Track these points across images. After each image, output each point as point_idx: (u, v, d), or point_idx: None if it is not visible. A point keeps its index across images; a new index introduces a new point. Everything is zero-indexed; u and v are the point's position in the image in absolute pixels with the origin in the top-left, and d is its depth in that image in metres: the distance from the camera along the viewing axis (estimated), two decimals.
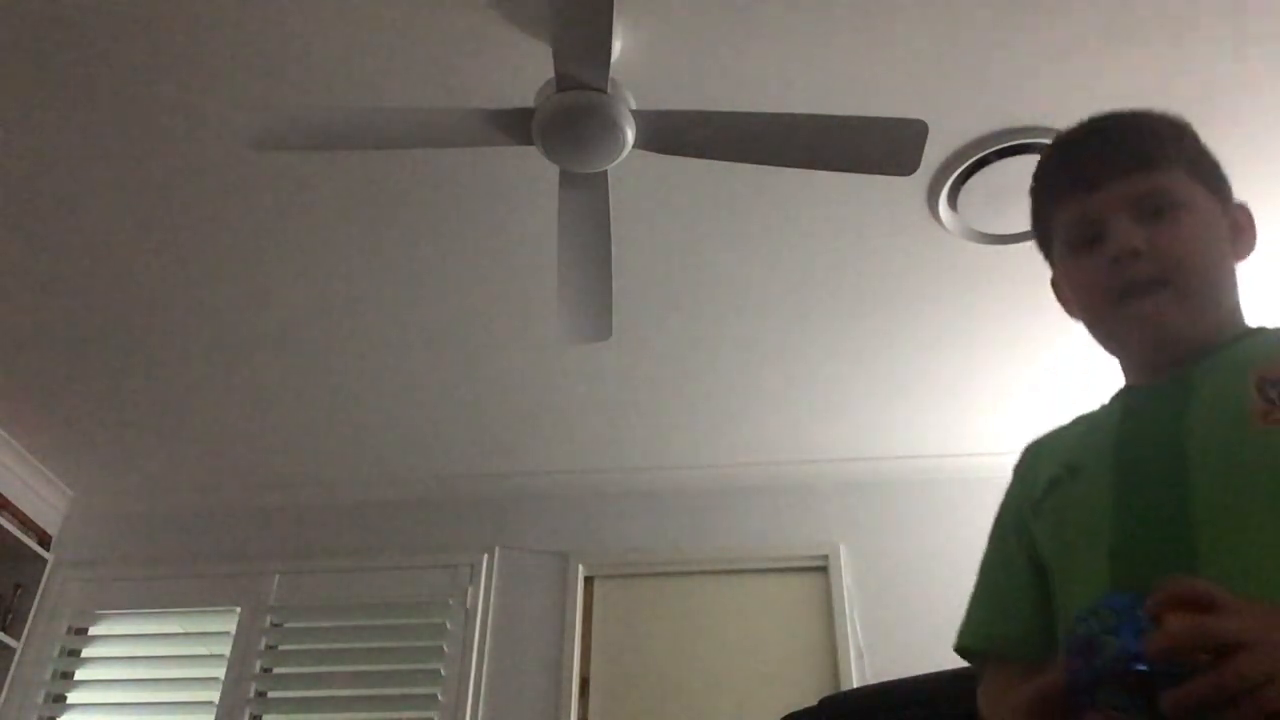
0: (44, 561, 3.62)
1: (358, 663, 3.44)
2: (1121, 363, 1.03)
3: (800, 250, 2.71)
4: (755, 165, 2.19)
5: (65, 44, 2.15)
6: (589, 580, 3.46)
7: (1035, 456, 1.07)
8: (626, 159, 2.04)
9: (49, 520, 3.75)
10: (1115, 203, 0.97)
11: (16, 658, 3.44)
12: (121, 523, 3.81)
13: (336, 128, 2.07)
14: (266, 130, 2.03)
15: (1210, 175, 1.03)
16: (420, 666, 3.37)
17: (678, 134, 2.04)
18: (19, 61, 2.20)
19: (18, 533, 3.50)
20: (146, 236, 2.67)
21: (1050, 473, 0.99)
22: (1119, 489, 0.89)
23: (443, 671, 3.32)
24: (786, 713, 1.77)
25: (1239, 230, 1.04)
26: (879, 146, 2.01)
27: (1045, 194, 1.05)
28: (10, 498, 3.54)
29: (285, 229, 2.65)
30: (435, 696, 3.27)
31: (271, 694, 3.45)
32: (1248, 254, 1.03)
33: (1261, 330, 0.97)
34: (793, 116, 2.00)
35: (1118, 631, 0.69)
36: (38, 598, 3.56)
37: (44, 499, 3.72)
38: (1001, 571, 1.03)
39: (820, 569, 3.40)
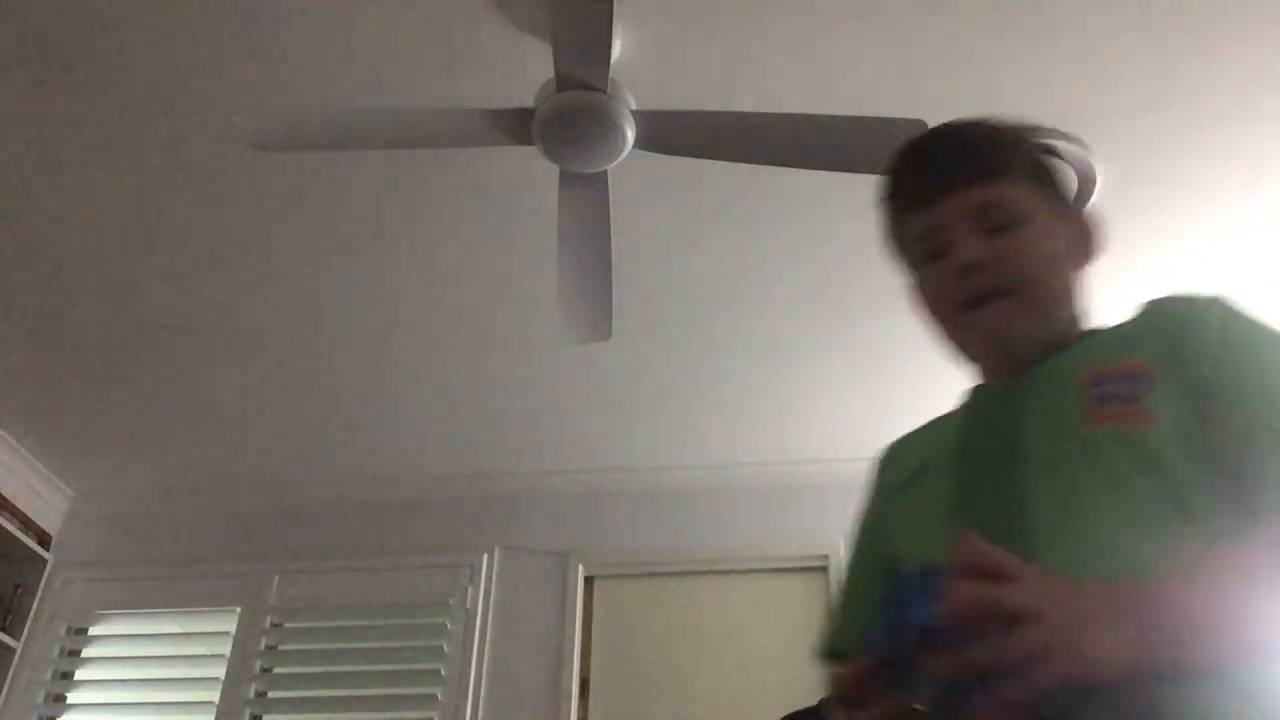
0: (44, 561, 3.62)
1: (358, 663, 3.44)
2: (971, 370, 1.06)
3: (800, 250, 2.71)
4: (755, 165, 2.18)
5: (65, 44, 2.15)
6: (589, 580, 3.46)
7: (892, 459, 1.10)
8: (626, 159, 2.04)
9: (49, 520, 3.75)
10: (957, 215, 0.98)
11: (16, 658, 3.44)
12: (121, 523, 3.81)
13: (336, 128, 2.07)
14: (266, 130, 2.03)
15: (1050, 183, 1.05)
16: (420, 666, 3.37)
17: (678, 134, 2.04)
18: (19, 61, 2.19)
19: (18, 533, 3.50)
20: (146, 236, 2.67)
21: (903, 475, 1.03)
22: (962, 488, 0.92)
23: (443, 671, 3.32)
24: (786, 713, 1.77)
25: (1084, 238, 1.04)
26: (879, 146, 2.00)
27: (894, 204, 1.06)
28: (10, 498, 3.54)
29: (285, 229, 2.65)
30: (435, 696, 3.27)
31: (271, 694, 3.46)
32: (1093, 260, 1.03)
33: (1095, 332, 0.99)
34: (792, 116, 2.00)
35: (911, 603, 0.68)
36: (38, 598, 3.57)
37: (44, 499, 3.73)
38: (861, 573, 1.06)
39: (820, 569, 3.39)
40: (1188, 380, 0.84)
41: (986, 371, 1.03)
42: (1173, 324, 0.90)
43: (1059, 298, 0.99)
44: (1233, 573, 0.73)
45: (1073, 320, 1.00)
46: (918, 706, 0.71)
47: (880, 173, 1.09)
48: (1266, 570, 0.72)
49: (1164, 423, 0.82)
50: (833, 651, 1.02)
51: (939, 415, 1.07)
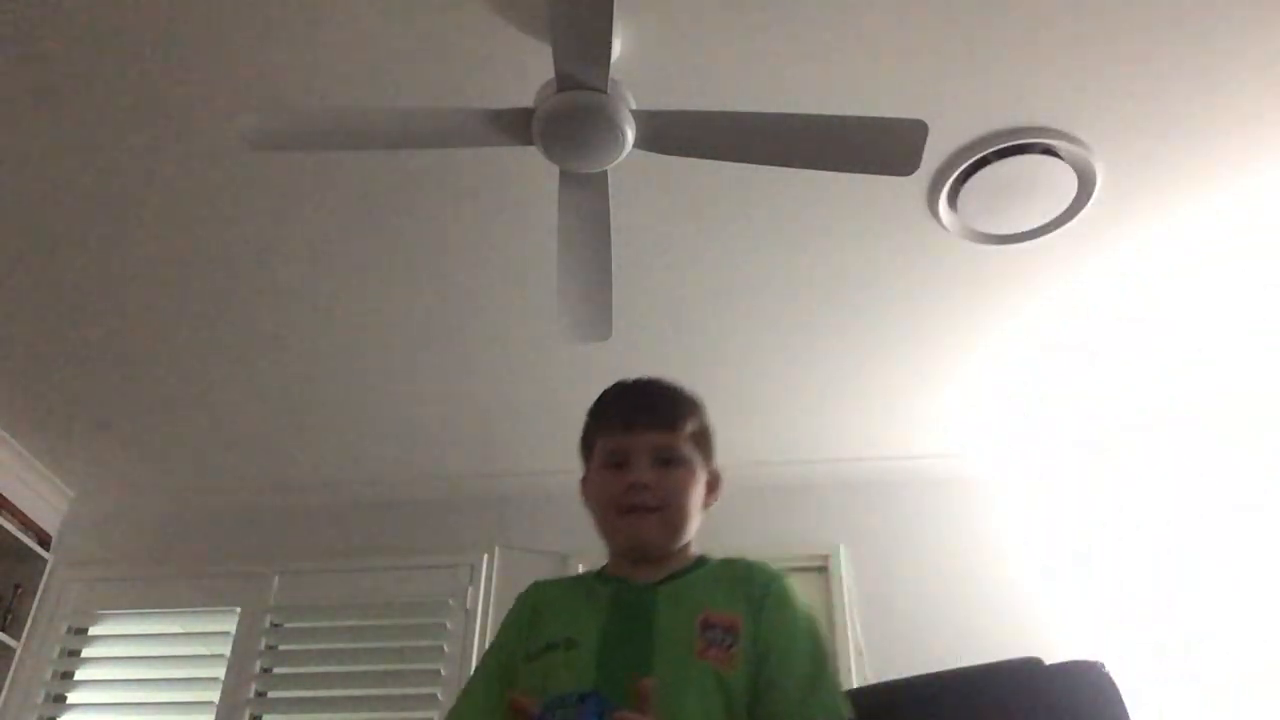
0: (44, 561, 3.62)
1: (358, 663, 3.44)
2: (610, 552, 1.40)
3: (800, 250, 2.71)
4: (755, 165, 2.18)
5: (65, 44, 2.15)
6: None
7: (538, 609, 1.39)
8: (626, 159, 2.04)
9: (49, 520, 3.75)
10: (642, 446, 1.36)
11: (16, 658, 3.44)
12: (121, 523, 3.81)
13: (336, 128, 2.07)
14: (266, 130, 2.03)
15: (706, 444, 1.44)
16: (420, 666, 3.37)
17: (678, 134, 2.04)
18: (18, 61, 2.20)
19: (18, 533, 3.50)
20: (146, 236, 2.67)
21: (550, 638, 1.29)
22: (602, 670, 1.22)
23: (443, 672, 3.32)
24: None
25: (712, 487, 1.44)
26: (879, 146, 2.01)
27: (598, 422, 1.43)
28: (10, 498, 3.54)
29: (285, 229, 2.65)
30: (435, 696, 3.27)
31: (271, 694, 3.45)
32: (712, 504, 1.44)
33: (706, 561, 1.37)
34: (793, 116, 2.00)
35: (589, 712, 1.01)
36: (38, 598, 3.57)
37: (44, 499, 3.73)
38: (483, 680, 1.36)
39: (820, 569, 3.39)
40: (752, 638, 1.24)
41: (622, 560, 1.38)
42: (752, 593, 1.29)
43: (688, 525, 1.37)
44: None
45: (688, 545, 1.38)
46: None
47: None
48: None
49: (740, 669, 1.21)
50: None
51: (584, 576, 1.43)
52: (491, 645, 1.40)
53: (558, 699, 1.05)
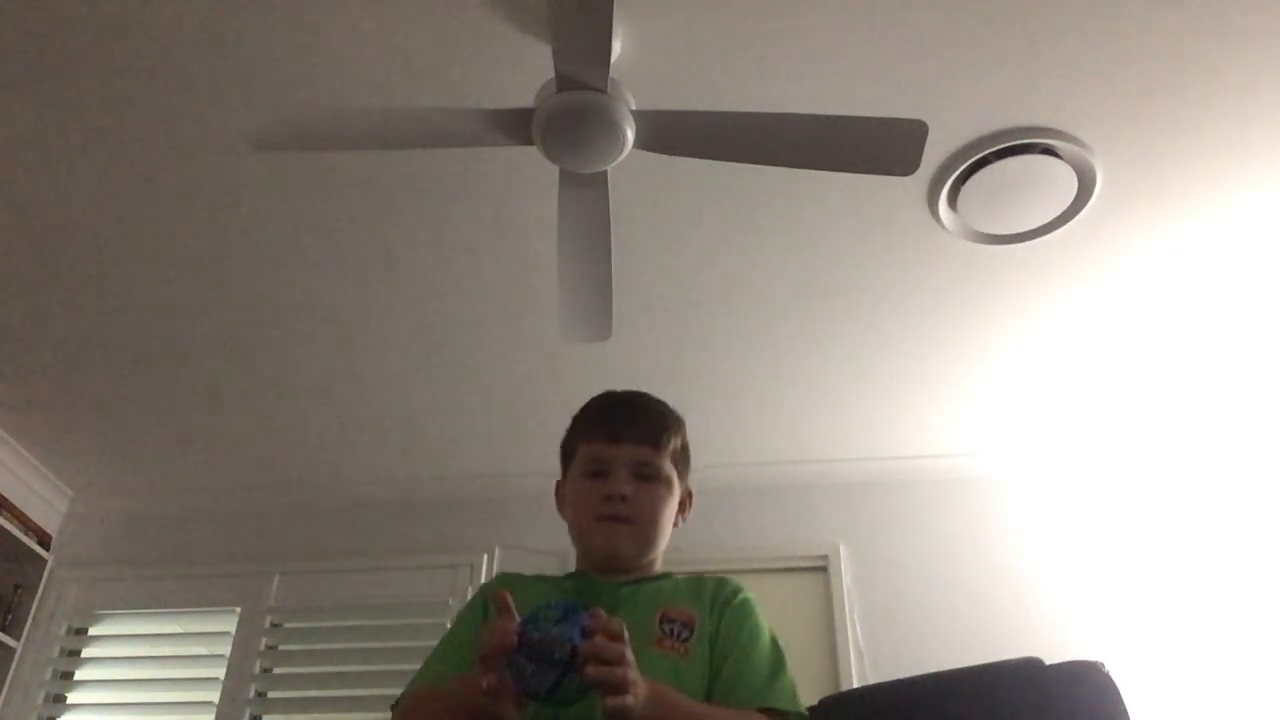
0: (44, 561, 3.62)
1: (358, 663, 3.44)
2: (579, 555, 1.44)
3: (800, 250, 2.71)
4: (755, 165, 2.18)
5: (64, 43, 2.15)
6: None
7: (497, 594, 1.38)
8: (626, 159, 2.04)
9: (49, 520, 3.75)
10: (624, 459, 1.39)
11: (16, 658, 3.44)
12: (121, 523, 3.81)
13: (336, 128, 2.07)
14: (266, 130, 2.03)
15: (684, 464, 1.47)
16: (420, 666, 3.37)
17: (678, 134, 2.03)
18: (18, 61, 2.20)
19: (18, 533, 3.50)
20: (146, 236, 2.67)
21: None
22: None
23: None
24: None
25: (684, 505, 1.46)
26: (879, 146, 2.01)
27: (582, 430, 1.47)
28: (10, 498, 3.54)
29: (285, 229, 2.65)
30: None
31: (271, 694, 3.45)
32: (682, 522, 1.46)
33: (669, 576, 1.42)
34: (793, 116, 2.00)
35: (562, 624, 1.03)
36: (38, 598, 3.57)
37: (44, 499, 3.73)
38: (441, 660, 1.35)
39: (820, 569, 3.40)
40: (710, 637, 1.31)
41: (591, 564, 1.41)
42: (716, 598, 1.35)
43: (660, 539, 1.41)
44: (696, 704, 1.21)
45: (656, 558, 1.43)
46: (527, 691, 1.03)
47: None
48: (713, 713, 1.22)
49: (696, 660, 1.28)
50: (407, 694, 1.31)
51: (544, 576, 1.47)
52: (448, 634, 1.40)
53: (541, 607, 1.06)
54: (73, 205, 2.57)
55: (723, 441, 3.50)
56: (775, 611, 3.77)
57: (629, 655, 1.07)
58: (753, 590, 1.40)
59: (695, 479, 1.48)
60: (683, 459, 1.48)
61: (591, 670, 1.02)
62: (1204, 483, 3.41)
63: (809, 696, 1.87)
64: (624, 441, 1.41)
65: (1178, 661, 3.04)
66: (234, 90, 2.25)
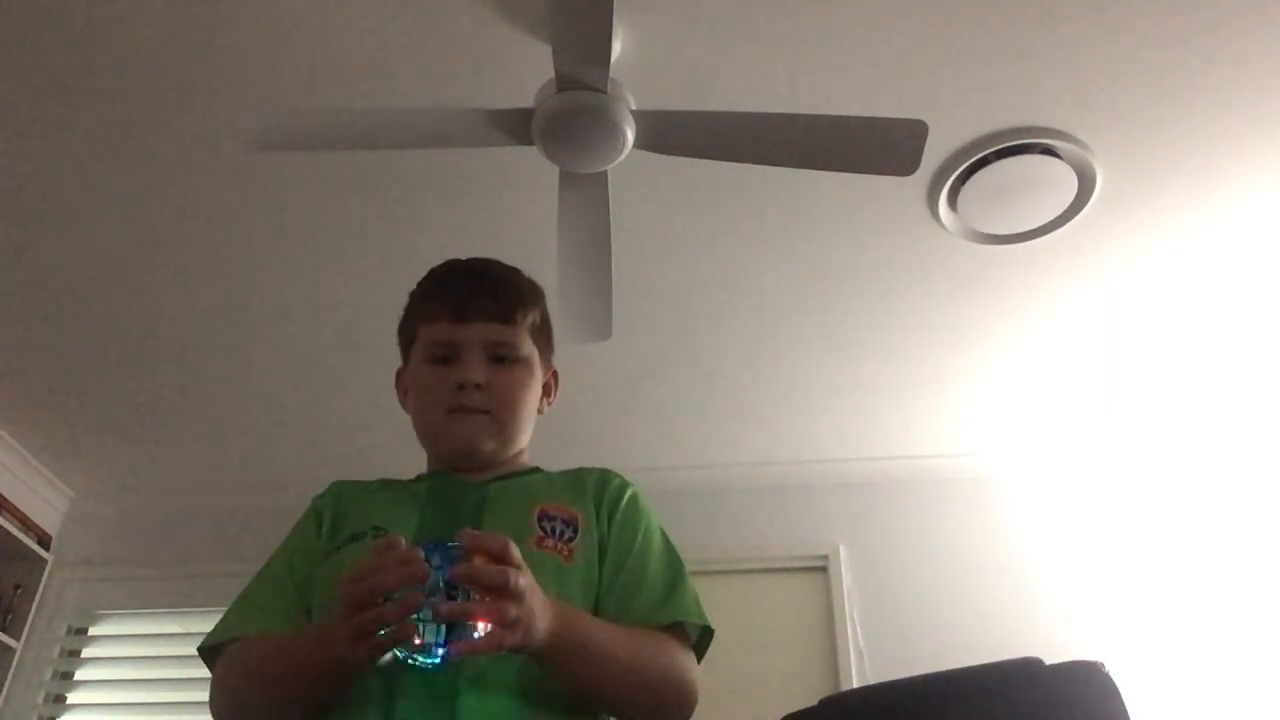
0: (44, 561, 3.62)
1: None
2: (430, 454, 1.27)
3: (800, 250, 2.71)
4: (755, 165, 2.18)
5: (65, 45, 2.15)
6: None
7: (338, 502, 1.23)
8: (626, 159, 2.04)
9: (49, 520, 3.75)
10: (475, 340, 1.21)
11: (16, 658, 3.44)
12: (121, 523, 3.81)
13: (336, 128, 2.07)
14: (265, 130, 2.03)
15: (546, 340, 1.30)
16: None
17: (678, 134, 2.03)
18: (16, 61, 2.19)
19: (18, 533, 3.50)
20: (145, 236, 2.67)
21: (353, 529, 1.15)
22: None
23: None
24: (786, 713, 1.77)
25: (549, 388, 1.31)
26: (879, 146, 2.01)
27: (422, 308, 1.27)
28: (10, 498, 3.54)
29: (285, 229, 2.65)
30: None
31: None
32: (549, 407, 1.32)
33: (540, 470, 1.26)
34: (793, 116, 2.00)
35: (430, 559, 0.89)
36: (38, 598, 3.56)
37: (44, 499, 3.72)
38: (271, 585, 1.17)
39: (820, 569, 3.40)
40: (598, 538, 1.16)
41: (443, 463, 1.24)
42: (602, 496, 1.20)
43: (523, 429, 1.25)
44: (602, 627, 1.07)
45: (521, 451, 1.27)
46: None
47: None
48: (616, 636, 1.07)
49: (581, 562, 1.12)
50: (223, 640, 1.12)
51: (391, 480, 1.27)
52: (279, 549, 1.22)
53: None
54: (71, 206, 2.57)
55: (723, 441, 3.50)
56: (775, 611, 3.78)
57: (521, 579, 0.91)
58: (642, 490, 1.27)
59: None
60: (543, 335, 1.30)
61: (475, 607, 0.88)
62: (1204, 482, 3.41)
63: (809, 696, 1.87)
64: (473, 319, 1.22)
65: (1178, 661, 3.04)
66: (233, 90, 2.24)
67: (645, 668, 1.07)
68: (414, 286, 1.32)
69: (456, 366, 1.20)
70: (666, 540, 1.22)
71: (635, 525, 1.20)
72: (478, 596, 0.90)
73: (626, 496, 1.22)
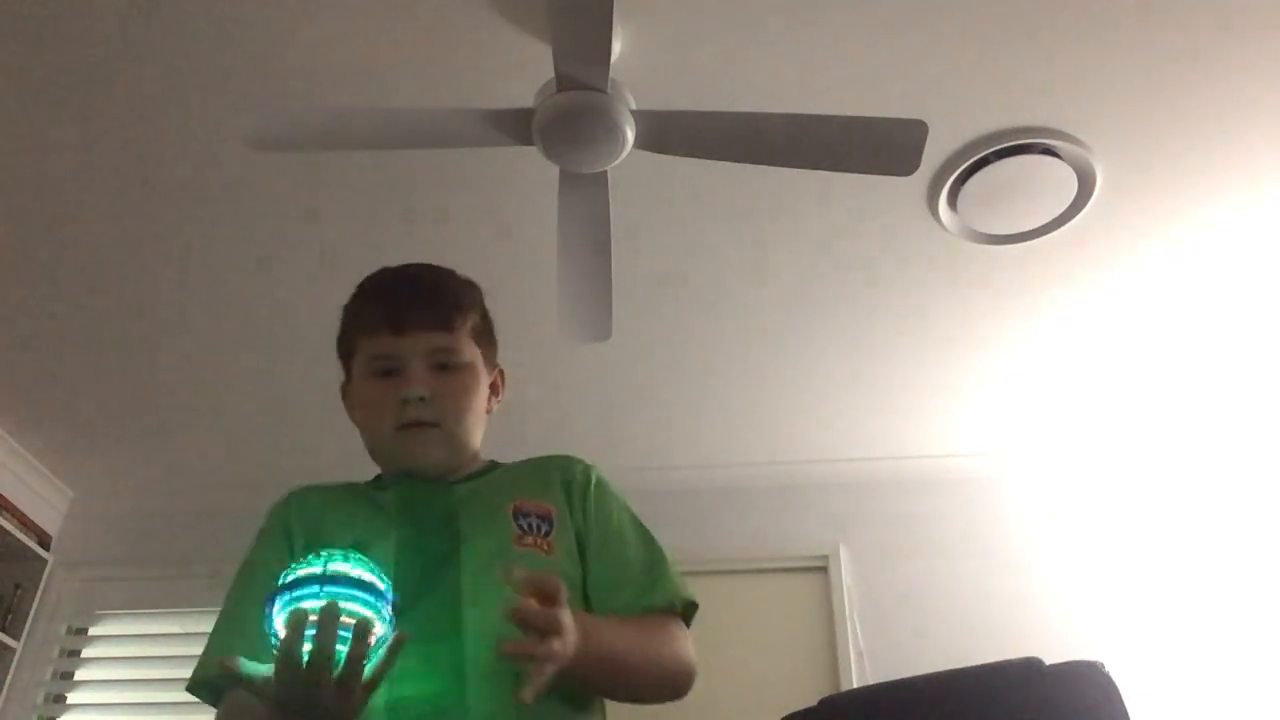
0: (44, 561, 3.62)
1: None
2: (383, 469, 1.25)
3: (800, 250, 2.71)
4: (755, 165, 2.18)
5: (64, 43, 2.15)
6: None
7: (305, 514, 1.21)
8: (626, 159, 2.04)
9: (49, 520, 3.75)
10: (416, 350, 1.19)
11: (16, 658, 3.43)
12: (121, 523, 3.81)
13: (336, 128, 2.07)
14: (266, 130, 2.03)
15: (488, 340, 1.28)
16: None
17: (678, 134, 2.04)
18: (16, 61, 2.19)
19: (18, 533, 3.50)
20: (146, 236, 2.67)
21: (329, 544, 1.09)
22: (405, 574, 1.05)
23: None
24: (786, 713, 1.77)
25: (496, 388, 1.29)
26: (879, 146, 2.01)
27: (358, 321, 1.25)
28: (10, 498, 3.54)
29: (286, 229, 2.65)
30: None
31: None
32: (496, 405, 1.30)
33: (498, 465, 1.26)
34: (793, 116, 2.00)
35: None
36: (38, 598, 3.56)
37: (44, 499, 3.72)
38: (253, 607, 1.07)
39: (820, 569, 3.40)
40: (574, 530, 1.17)
41: (398, 476, 1.22)
42: (570, 483, 1.21)
43: (473, 433, 1.23)
44: (616, 632, 1.09)
45: (475, 454, 1.25)
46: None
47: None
48: (626, 633, 1.11)
49: (560, 552, 1.14)
50: (212, 679, 1.09)
51: (349, 485, 1.26)
52: (246, 568, 1.21)
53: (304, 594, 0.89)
54: (71, 206, 2.57)
55: (723, 441, 3.50)
56: (775, 611, 3.78)
57: (565, 617, 0.95)
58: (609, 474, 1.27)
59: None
60: (485, 335, 1.28)
61: (519, 647, 0.93)
62: (1204, 482, 3.41)
63: (809, 696, 1.87)
64: (411, 330, 1.19)
65: (1178, 661, 3.04)
66: (233, 90, 2.24)
67: (657, 659, 1.12)
68: (346, 299, 1.30)
69: (400, 379, 1.19)
70: (635, 518, 1.24)
71: (608, 512, 1.22)
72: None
73: (593, 483, 1.23)
